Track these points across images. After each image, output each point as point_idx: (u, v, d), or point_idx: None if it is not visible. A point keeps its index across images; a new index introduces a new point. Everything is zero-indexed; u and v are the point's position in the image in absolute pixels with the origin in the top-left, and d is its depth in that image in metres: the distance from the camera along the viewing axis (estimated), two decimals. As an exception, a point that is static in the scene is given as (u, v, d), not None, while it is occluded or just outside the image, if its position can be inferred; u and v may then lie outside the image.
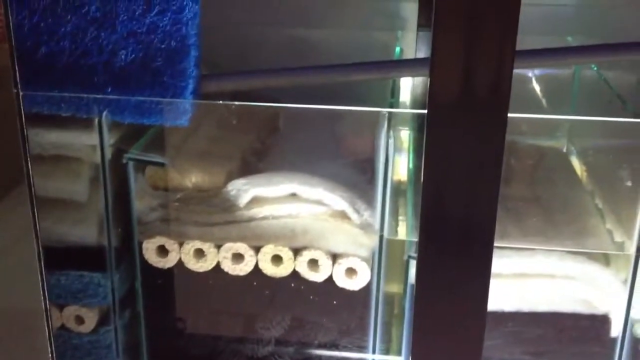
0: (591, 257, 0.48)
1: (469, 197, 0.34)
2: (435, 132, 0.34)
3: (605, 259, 0.50)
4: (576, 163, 0.61)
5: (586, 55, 0.51)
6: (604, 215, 0.52)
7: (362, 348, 0.51)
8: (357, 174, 0.51)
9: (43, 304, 0.39)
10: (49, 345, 0.39)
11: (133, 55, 0.47)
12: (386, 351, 0.51)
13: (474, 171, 0.34)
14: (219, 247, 0.49)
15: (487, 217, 0.34)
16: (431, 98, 0.33)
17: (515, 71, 0.71)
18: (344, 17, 0.72)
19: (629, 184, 0.47)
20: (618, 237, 0.49)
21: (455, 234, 0.35)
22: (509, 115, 0.36)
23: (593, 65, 0.64)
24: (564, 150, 0.64)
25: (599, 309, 0.48)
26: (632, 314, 0.47)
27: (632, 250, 0.46)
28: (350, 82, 0.53)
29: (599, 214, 0.53)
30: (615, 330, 0.48)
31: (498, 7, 0.33)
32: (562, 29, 0.69)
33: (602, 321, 0.48)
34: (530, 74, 0.71)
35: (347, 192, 0.49)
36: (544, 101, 0.70)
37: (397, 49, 0.66)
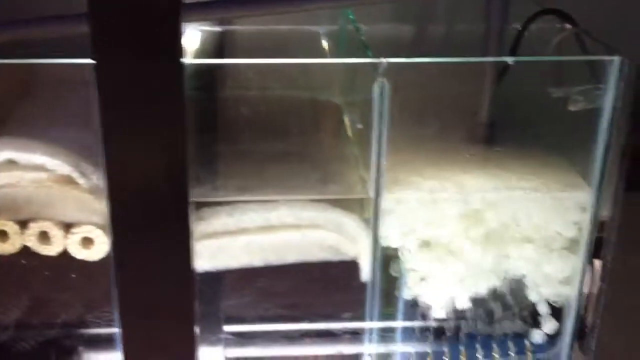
0: (337, 203, 0.48)
1: (153, 153, 0.32)
2: (106, 83, 0.31)
3: (360, 205, 0.49)
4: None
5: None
6: (358, 162, 0.52)
7: (111, 322, 0.48)
8: (87, 135, 0.46)
9: None
10: None
11: None
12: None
13: (154, 125, 0.31)
14: None
15: (177, 171, 0.32)
16: (95, 46, 0.30)
17: (308, 27, 0.69)
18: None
19: (360, 126, 0.47)
20: (367, 182, 0.49)
21: (145, 196, 0.32)
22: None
23: (349, 14, 0.63)
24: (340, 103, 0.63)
25: (348, 254, 0.48)
26: (378, 257, 0.47)
27: (371, 194, 0.46)
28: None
29: (354, 161, 0.52)
30: (365, 275, 0.48)
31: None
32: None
33: (352, 267, 0.48)
34: (321, 31, 0.69)
35: (71, 156, 0.44)
36: (329, 57, 0.69)
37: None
